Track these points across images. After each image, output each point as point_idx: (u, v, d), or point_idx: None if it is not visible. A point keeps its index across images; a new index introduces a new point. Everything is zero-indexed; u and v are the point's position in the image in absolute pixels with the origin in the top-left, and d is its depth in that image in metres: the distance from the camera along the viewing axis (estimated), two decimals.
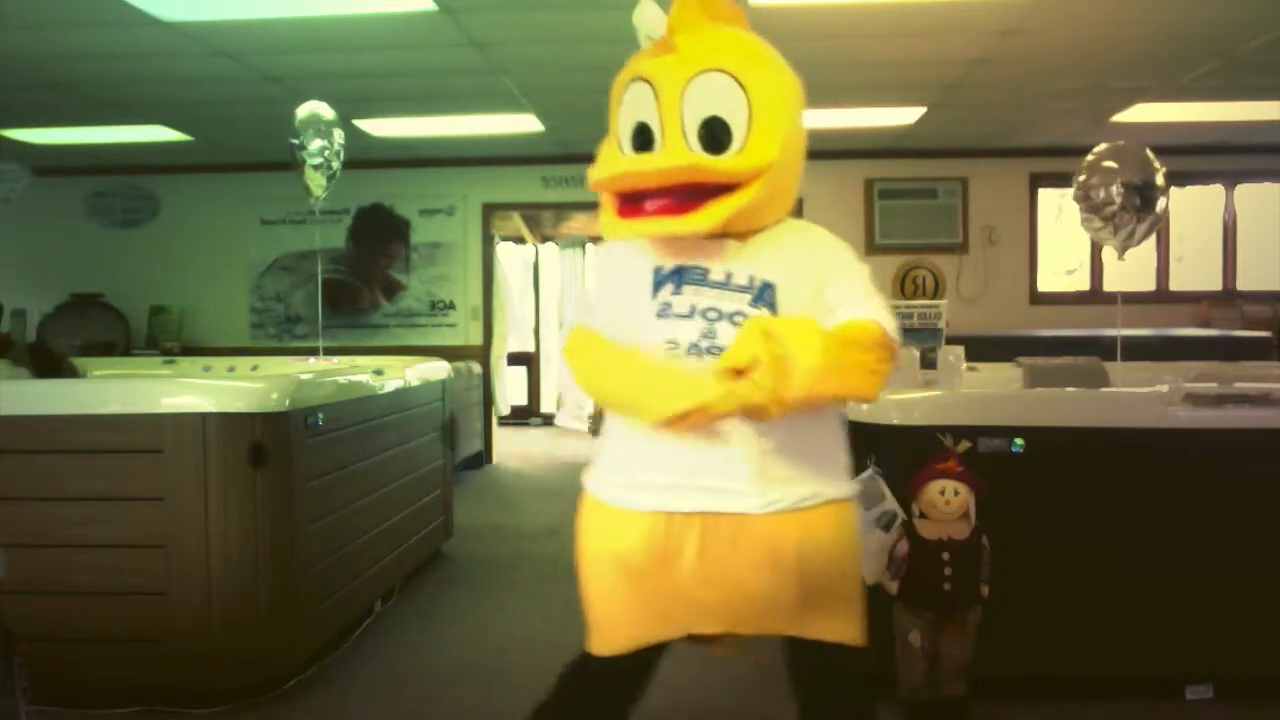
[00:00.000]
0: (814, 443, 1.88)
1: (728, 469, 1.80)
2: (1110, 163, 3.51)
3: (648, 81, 1.79)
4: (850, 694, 2.01)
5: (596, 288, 2.01)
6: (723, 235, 1.81)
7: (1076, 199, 3.61)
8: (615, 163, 1.82)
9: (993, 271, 8.40)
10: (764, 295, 1.82)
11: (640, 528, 1.83)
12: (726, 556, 1.81)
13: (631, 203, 1.78)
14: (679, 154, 1.74)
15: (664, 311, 1.83)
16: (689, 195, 1.73)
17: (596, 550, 1.94)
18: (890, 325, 1.82)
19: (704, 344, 1.79)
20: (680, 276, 1.84)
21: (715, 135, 1.76)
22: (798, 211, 1.97)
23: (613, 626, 1.95)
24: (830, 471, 1.91)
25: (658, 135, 1.78)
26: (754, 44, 1.85)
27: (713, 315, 1.81)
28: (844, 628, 1.97)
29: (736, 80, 1.76)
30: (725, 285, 1.83)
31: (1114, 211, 3.45)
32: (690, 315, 1.81)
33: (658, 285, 1.85)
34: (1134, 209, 3.48)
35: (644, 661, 1.96)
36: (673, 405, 1.71)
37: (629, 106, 1.83)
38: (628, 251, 1.91)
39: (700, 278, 1.84)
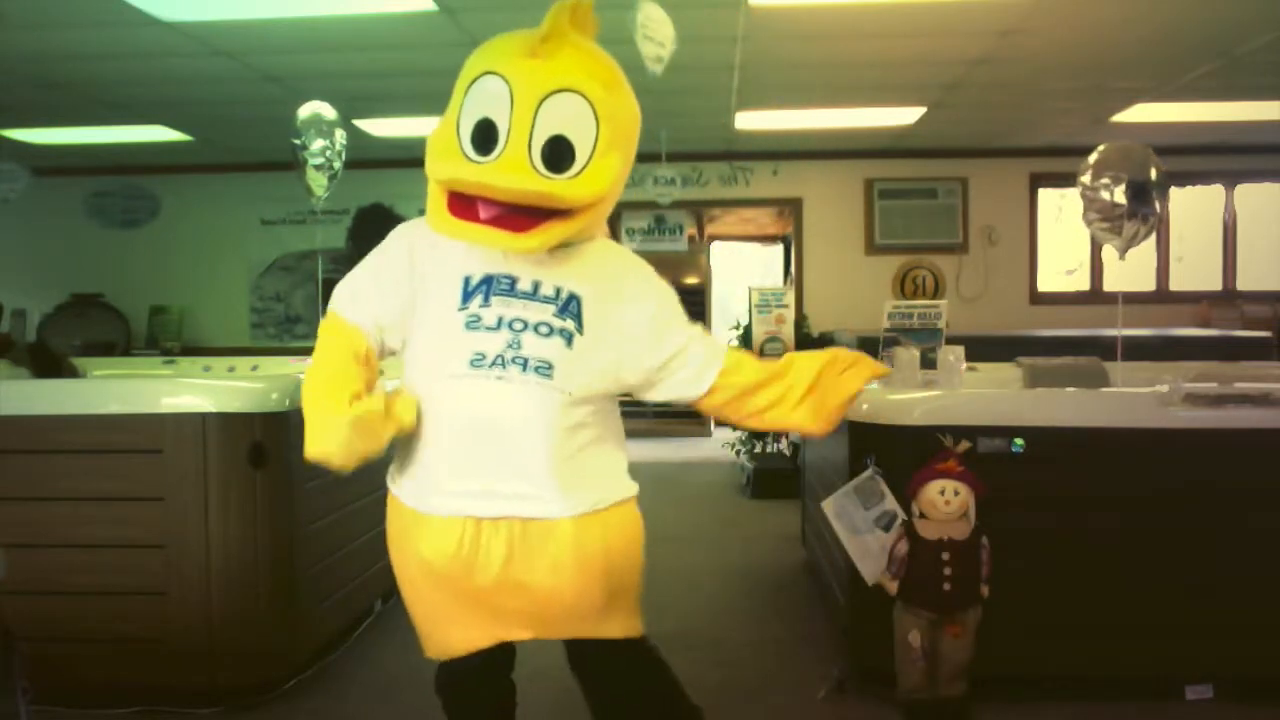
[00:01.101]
0: (604, 446, 1.94)
1: (531, 474, 1.84)
2: (1117, 161, 3.50)
3: (504, 80, 1.76)
4: (652, 686, 2.05)
5: (375, 273, 1.98)
6: None
7: (1084, 198, 3.60)
8: (461, 164, 1.78)
9: (993, 271, 8.41)
10: (569, 307, 1.86)
11: (446, 534, 1.86)
12: (534, 561, 1.85)
13: (465, 202, 1.77)
14: (523, 172, 1.73)
15: (473, 324, 1.84)
16: (524, 210, 1.74)
17: (404, 556, 1.97)
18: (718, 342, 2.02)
19: (509, 354, 1.82)
20: (489, 287, 1.86)
21: (558, 155, 1.75)
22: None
23: (436, 633, 2.02)
24: (617, 472, 1.98)
25: (502, 139, 1.75)
26: (611, 67, 1.85)
27: (519, 326, 1.83)
28: (634, 623, 2.03)
29: (591, 106, 1.76)
30: (533, 296, 1.86)
31: (1121, 211, 3.45)
32: (497, 327, 1.83)
33: (467, 295, 1.86)
34: (1139, 209, 3.48)
35: (492, 661, 2.01)
36: (308, 448, 1.81)
37: (477, 99, 1.79)
38: (429, 245, 1.91)
39: (508, 288, 1.86)
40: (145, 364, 5.97)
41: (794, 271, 8.69)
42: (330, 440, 1.79)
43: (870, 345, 3.25)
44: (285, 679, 3.22)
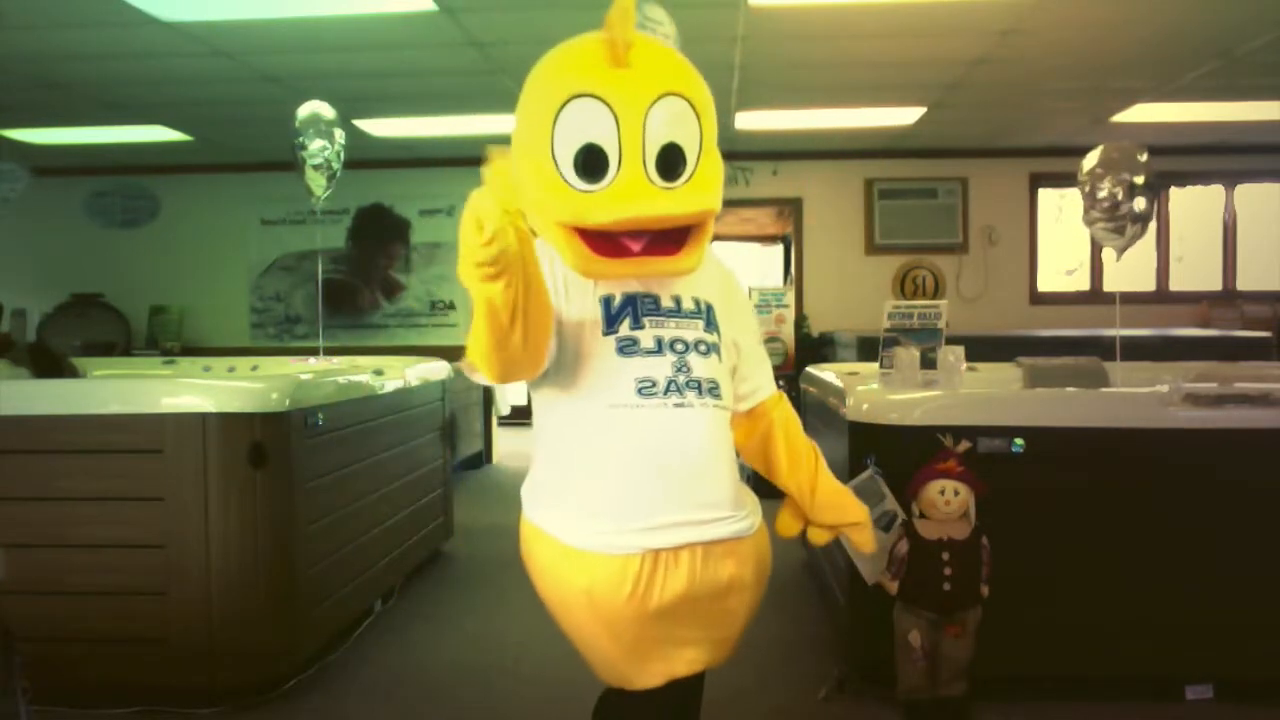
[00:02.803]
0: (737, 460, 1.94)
1: (718, 500, 1.79)
2: (1120, 162, 3.51)
3: (601, 100, 1.64)
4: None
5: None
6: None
7: (1086, 199, 3.60)
8: (641, 201, 1.63)
9: (993, 271, 8.41)
10: (710, 318, 1.82)
11: (622, 573, 1.74)
12: (714, 585, 1.79)
13: (606, 240, 1.65)
14: (699, 195, 1.66)
15: (628, 348, 1.73)
16: (669, 233, 1.66)
17: (562, 593, 1.82)
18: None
19: (681, 379, 1.74)
20: (635, 307, 1.76)
21: (671, 163, 1.67)
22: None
23: (617, 668, 1.86)
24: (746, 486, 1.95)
25: (614, 161, 1.64)
26: (685, 60, 1.77)
27: (680, 347, 1.76)
28: None
29: (691, 105, 1.68)
30: (678, 313, 1.79)
31: (1126, 212, 3.46)
32: (659, 350, 1.74)
33: (612, 319, 1.75)
34: (1142, 210, 3.49)
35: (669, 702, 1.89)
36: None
37: (572, 126, 1.65)
38: (564, 268, 1.75)
39: (653, 306, 1.77)
40: (145, 364, 5.97)
41: (794, 271, 8.69)
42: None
43: (870, 345, 3.25)
44: (285, 679, 3.22)
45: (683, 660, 1.83)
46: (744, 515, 1.83)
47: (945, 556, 2.80)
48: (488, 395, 8.23)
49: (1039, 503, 3.02)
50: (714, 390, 1.77)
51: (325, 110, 4.22)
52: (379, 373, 4.10)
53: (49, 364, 4.09)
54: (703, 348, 1.78)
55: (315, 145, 4.17)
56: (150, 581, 3.05)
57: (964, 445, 2.85)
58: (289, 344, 8.46)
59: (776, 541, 1.97)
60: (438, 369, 4.85)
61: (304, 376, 3.54)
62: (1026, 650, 3.03)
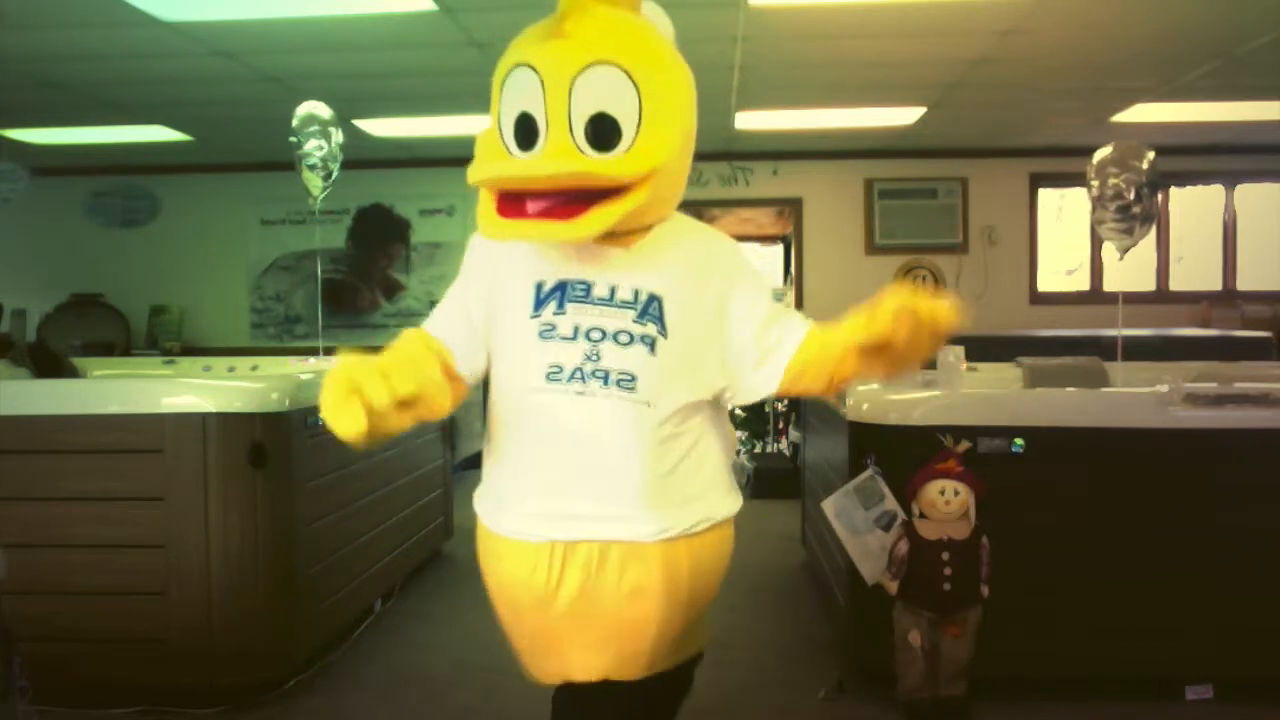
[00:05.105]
0: (705, 460, 1.80)
1: (618, 495, 1.70)
2: (1127, 162, 3.51)
3: (533, 69, 1.63)
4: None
5: (461, 297, 1.85)
6: (605, 240, 1.70)
7: (1094, 199, 3.60)
8: (498, 162, 1.68)
9: (993, 271, 8.40)
10: (649, 310, 1.72)
11: (522, 559, 1.74)
12: (611, 589, 1.71)
13: (513, 201, 1.64)
14: (567, 156, 1.61)
15: (547, 333, 1.72)
16: (573, 198, 1.61)
17: (488, 581, 1.85)
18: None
19: (588, 367, 1.69)
20: (563, 293, 1.73)
21: (603, 133, 1.63)
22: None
23: (529, 660, 1.88)
24: (719, 489, 1.83)
25: (542, 129, 1.64)
26: (647, 33, 1.71)
27: (596, 335, 1.70)
28: (704, 638, 1.95)
29: (628, 75, 1.63)
30: (609, 301, 1.72)
31: (1136, 212, 3.46)
32: (574, 337, 1.70)
33: (539, 302, 1.74)
34: (1149, 209, 3.49)
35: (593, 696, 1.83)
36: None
37: (511, 95, 1.67)
38: (504, 255, 1.79)
39: (583, 294, 1.73)
40: (145, 364, 5.97)
41: (794, 271, 8.68)
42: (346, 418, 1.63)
43: None
44: (285, 679, 3.22)
45: (579, 664, 1.77)
46: (653, 519, 1.70)
47: (945, 556, 2.80)
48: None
49: (1039, 503, 3.02)
50: (625, 382, 1.68)
51: (322, 110, 4.22)
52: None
53: (49, 364, 4.09)
54: (623, 338, 1.70)
55: (310, 145, 4.17)
56: (150, 581, 3.05)
57: (964, 445, 2.85)
58: (289, 344, 8.44)
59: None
60: None
61: (304, 376, 3.54)
62: (1026, 650, 3.03)
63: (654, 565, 1.71)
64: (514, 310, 1.76)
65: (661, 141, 1.66)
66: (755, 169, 8.42)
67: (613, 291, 1.73)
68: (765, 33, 4.88)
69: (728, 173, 8.42)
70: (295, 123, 4.20)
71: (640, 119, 1.64)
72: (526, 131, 1.66)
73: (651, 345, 1.70)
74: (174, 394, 3.15)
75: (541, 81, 1.62)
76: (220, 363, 4.92)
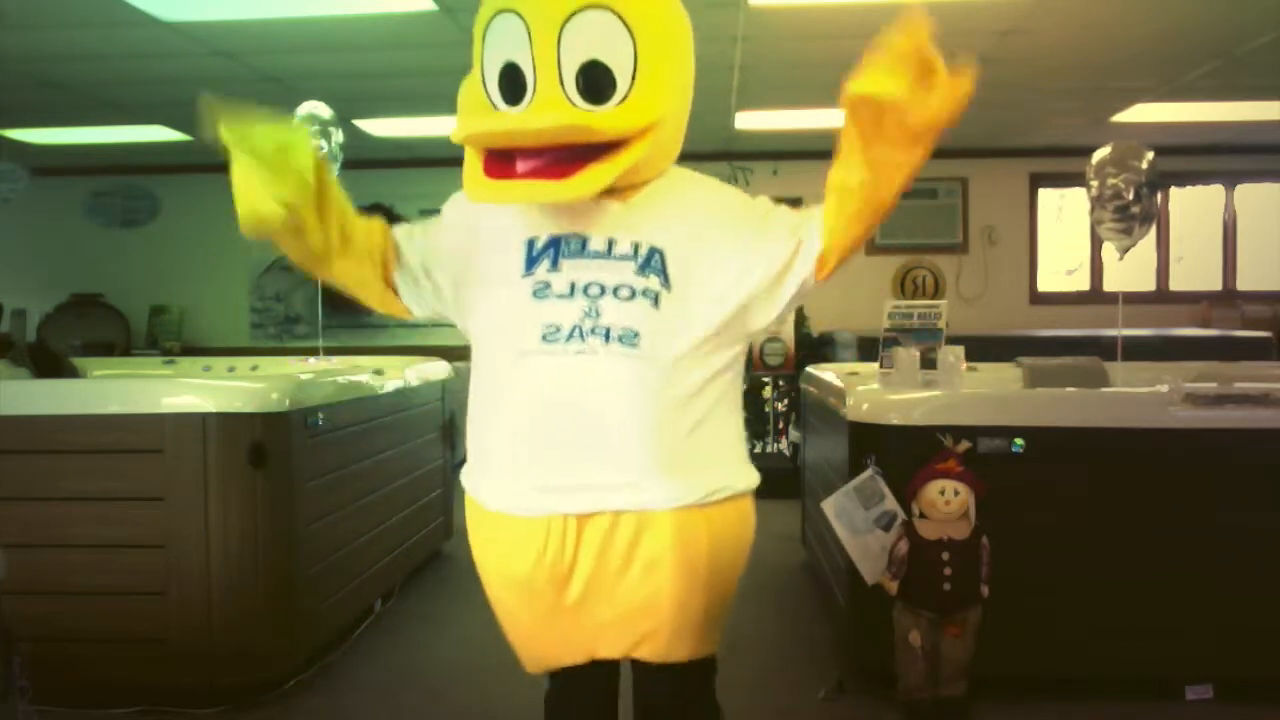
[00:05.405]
0: (723, 426, 1.66)
1: (626, 461, 1.56)
2: (1128, 162, 3.51)
3: (518, 15, 1.51)
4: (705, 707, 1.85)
5: (438, 234, 1.75)
6: (601, 194, 1.56)
7: (1094, 199, 3.60)
8: (483, 118, 1.57)
9: (993, 271, 8.41)
10: (651, 262, 1.59)
11: (530, 537, 1.61)
12: (624, 562, 1.60)
13: (500, 160, 1.52)
14: (558, 109, 1.50)
15: (541, 292, 1.59)
16: (566, 155, 1.49)
17: (486, 567, 1.72)
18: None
19: (588, 324, 1.56)
20: (557, 249, 1.61)
21: (596, 83, 1.51)
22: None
23: (529, 647, 1.78)
24: (736, 458, 1.69)
25: (530, 80, 1.52)
26: None
27: (595, 291, 1.57)
28: (716, 637, 1.77)
29: (621, 19, 1.50)
30: (607, 255, 1.59)
31: (1136, 212, 3.46)
32: (571, 294, 1.57)
33: (532, 260, 1.61)
34: (1149, 209, 3.49)
35: (594, 680, 1.77)
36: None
37: (494, 44, 1.55)
38: (488, 210, 1.65)
39: (579, 249, 1.60)
40: (145, 364, 5.97)
41: None
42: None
43: (870, 345, 3.25)
44: (285, 679, 3.22)
45: (604, 640, 1.68)
46: (666, 485, 1.57)
47: (945, 556, 2.79)
48: None
49: (1039, 503, 3.01)
50: (628, 338, 1.55)
51: (322, 110, 4.21)
52: (379, 373, 4.10)
53: (49, 364, 4.08)
54: (624, 292, 1.56)
55: None
56: (150, 581, 3.05)
57: (964, 445, 2.85)
58: (289, 344, 8.45)
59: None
60: (438, 369, 4.85)
61: (304, 376, 3.54)
62: (1026, 650, 3.03)
63: (666, 533, 1.58)
64: (502, 269, 1.63)
65: (660, 92, 1.55)
66: (755, 169, 8.42)
67: (610, 245, 1.60)
68: (765, 33, 4.88)
69: (728, 173, 8.41)
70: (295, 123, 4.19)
71: (636, 68, 1.52)
72: (513, 84, 1.54)
73: (655, 299, 1.57)
74: (174, 394, 3.15)
75: (528, 28, 1.50)
76: (220, 363, 4.92)
